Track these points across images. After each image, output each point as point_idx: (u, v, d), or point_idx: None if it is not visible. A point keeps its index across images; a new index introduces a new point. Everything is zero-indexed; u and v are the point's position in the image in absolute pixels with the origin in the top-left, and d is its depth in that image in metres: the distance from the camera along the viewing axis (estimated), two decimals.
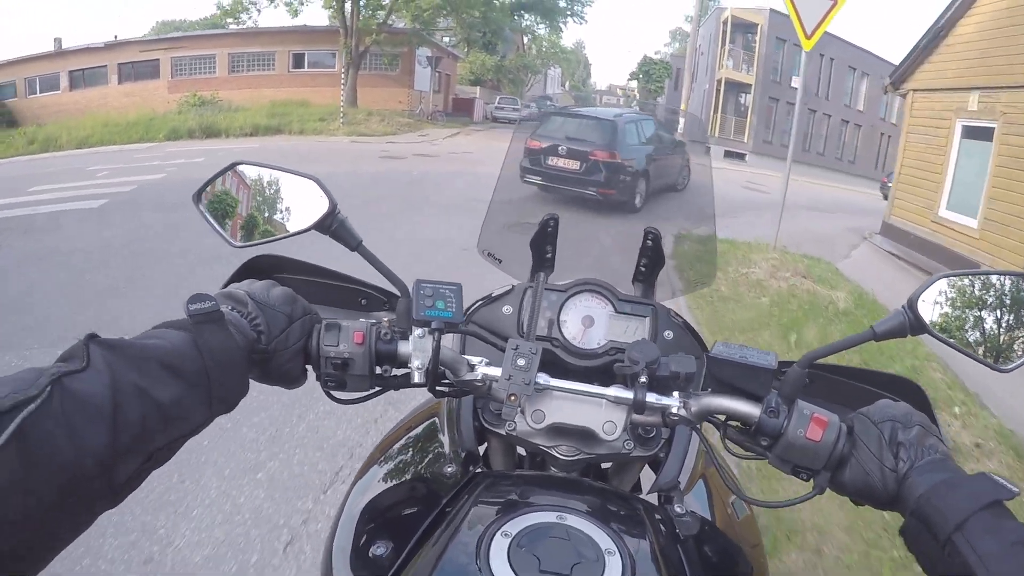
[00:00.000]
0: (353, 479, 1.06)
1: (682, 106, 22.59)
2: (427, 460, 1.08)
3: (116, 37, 28.93)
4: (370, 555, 0.79)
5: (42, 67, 28.72)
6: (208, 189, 0.88)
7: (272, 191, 0.88)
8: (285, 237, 0.86)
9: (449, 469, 0.96)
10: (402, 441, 1.14)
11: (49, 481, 0.48)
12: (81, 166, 15.68)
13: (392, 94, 28.70)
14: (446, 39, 34.64)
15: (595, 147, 8.77)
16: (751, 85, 30.65)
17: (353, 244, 0.83)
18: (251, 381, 0.74)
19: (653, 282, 1.17)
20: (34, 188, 12.27)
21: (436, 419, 1.15)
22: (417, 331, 0.82)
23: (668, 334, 1.07)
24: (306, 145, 19.06)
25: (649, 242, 1.15)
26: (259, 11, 28.33)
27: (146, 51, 28.41)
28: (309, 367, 0.83)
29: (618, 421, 0.86)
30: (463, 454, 1.00)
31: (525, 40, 46.40)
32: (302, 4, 26.76)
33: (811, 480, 0.75)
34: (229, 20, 28.40)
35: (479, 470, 0.96)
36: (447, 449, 1.04)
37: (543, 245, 1.15)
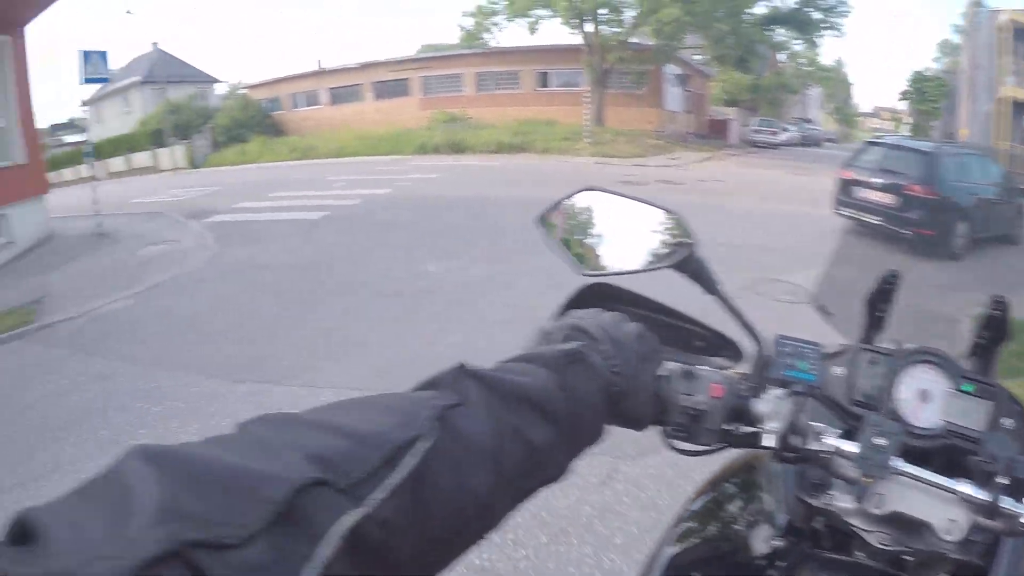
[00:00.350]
0: (664, 535, 1.01)
1: (961, 131, 19.83)
2: (743, 525, 1.00)
3: (370, 59, 30.47)
4: None
5: (305, 85, 31.52)
6: (553, 212, 0.88)
7: (623, 220, 0.87)
8: (638, 272, 0.84)
9: (775, 542, 0.88)
10: (714, 498, 1.09)
11: (438, 522, 0.46)
12: (324, 175, 16.79)
13: (641, 114, 26.53)
14: (696, 57, 31.72)
15: (911, 180, 8.54)
16: None
17: (712, 286, 0.81)
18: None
19: (993, 359, 1.03)
20: (273, 194, 13.89)
21: (751, 479, 1.08)
22: (775, 391, 0.76)
23: (1008, 422, 0.90)
24: (548, 165, 18.06)
25: (997, 312, 1.01)
26: (500, 30, 28.12)
27: (396, 71, 29.33)
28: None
29: (961, 520, 0.75)
30: (783, 525, 0.91)
31: (780, 57, 41.13)
32: (537, 22, 25.82)
33: None
34: (476, 42, 27.91)
35: (807, 550, 0.88)
36: (763, 515, 0.96)
37: (879, 303, 1.07)
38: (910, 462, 0.76)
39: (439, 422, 0.47)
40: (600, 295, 0.90)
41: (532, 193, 11.29)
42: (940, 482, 0.74)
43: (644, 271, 0.82)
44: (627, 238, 0.85)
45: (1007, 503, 0.71)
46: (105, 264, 8.39)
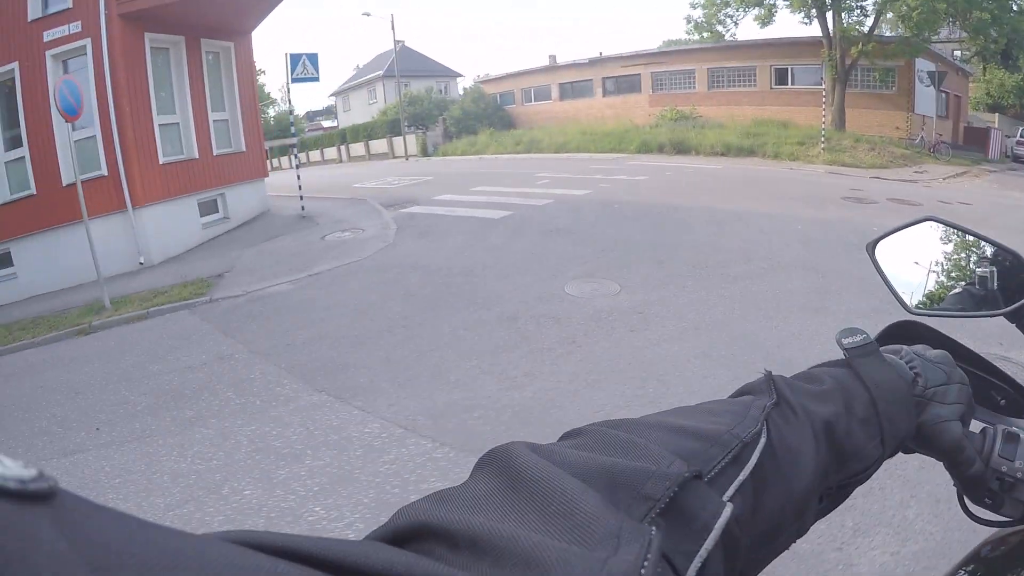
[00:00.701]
0: None
1: None
2: None
3: (600, 54, 29.92)
4: None
5: (537, 80, 31.75)
6: (890, 240, 0.83)
7: (966, 258, 0.82)
8: (972, 316, 0.79)
9: None
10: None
11: (766, 519, 0.47)
12: (536, 171, 16.65)
13: (887, 117, 22.51)
14: (956, 52, 26.43)
15: None
16: None
17: None
18: None
19: None
20: (476, 187, 13.99)
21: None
22: None
23: None
24: (773, 172, 16.36)
25: None
26: (736, 23, 25.08)
27: (627, 66, 28.22)
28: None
29: None
30: None
31: None
32: (770, 12, 23.08)
33: None
34: (706, 35, 25.95)
35: None
36: None
37: None
38: None
39: (766, 422, 0.49)
40: (909, 335, 0.81)
41: (735, 206, 10.35)
42: None
43: (979, 316, 0.78)
44: (965, 277, 0.80)
45: None
46: (292, 247, 9.02)
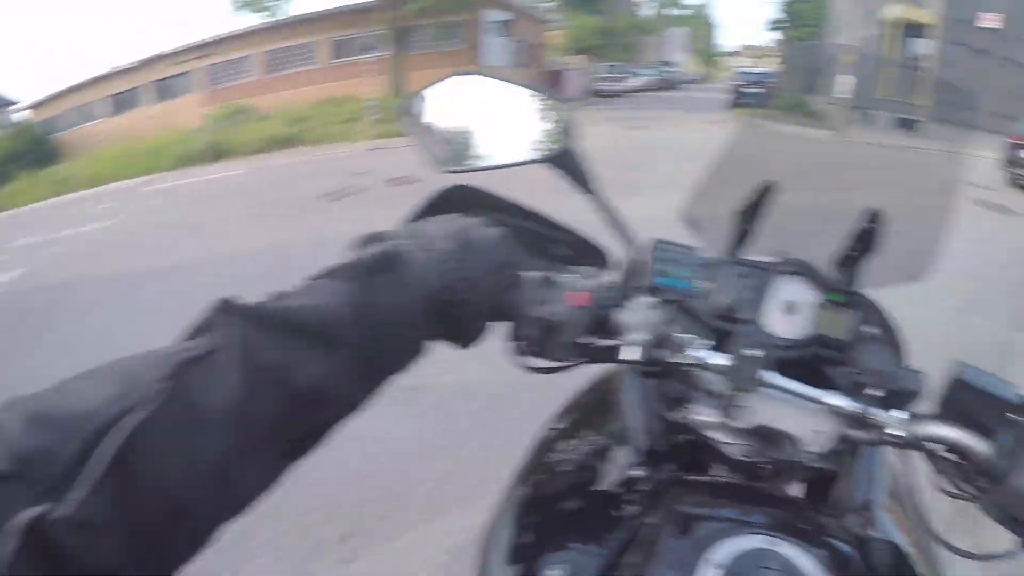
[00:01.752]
0: (521, 466, 0.96)
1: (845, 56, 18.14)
2: (606, 451, 0.94)
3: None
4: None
5: (84, 96, 26.67)
6: (423, 97, 0.81)
7: (500, 109, 0.80)
8: (508, 166, 0.80)
9: (636, 470, 0.85)
10: (569, 425, 1.04)
11: (154, 511, 0.39)
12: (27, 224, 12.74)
13: None
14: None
15: None
16: (931, 27, 18.64)
17: (587, 185, 0.78)
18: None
19: (859, 269, 1.02)
20: None
21: (609, 401, 1.02)
22: (645, 299, 0.72)
23: (873, 330, 0.95)
24: (298, 166, 14.67)
25: (870, 225, 1.00)
26: None
27: (177, 63, 24.54)
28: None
29: (827, 431, 0.77)
30: (646, 447, 0.89)
31: None
32: None
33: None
34: (255, 9, 23.52)
35: (672, 474, 0.86)
36: (629, 439, 0.91)
37: (750, 216, 1.04)
38: (777, 374, 0.76)
39: (171, 384, 0.40)
40: (464, 201, 0.81)
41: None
42: (809, 394, 0.75)
43: (514, 165, 0.79)
44: (502, 129, 0.79)
45: (875, 413, 0.72)
46: None
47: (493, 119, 0.79)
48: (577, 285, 0.69)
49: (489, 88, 0.79)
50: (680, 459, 0.94)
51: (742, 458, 0.82)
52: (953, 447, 0.70)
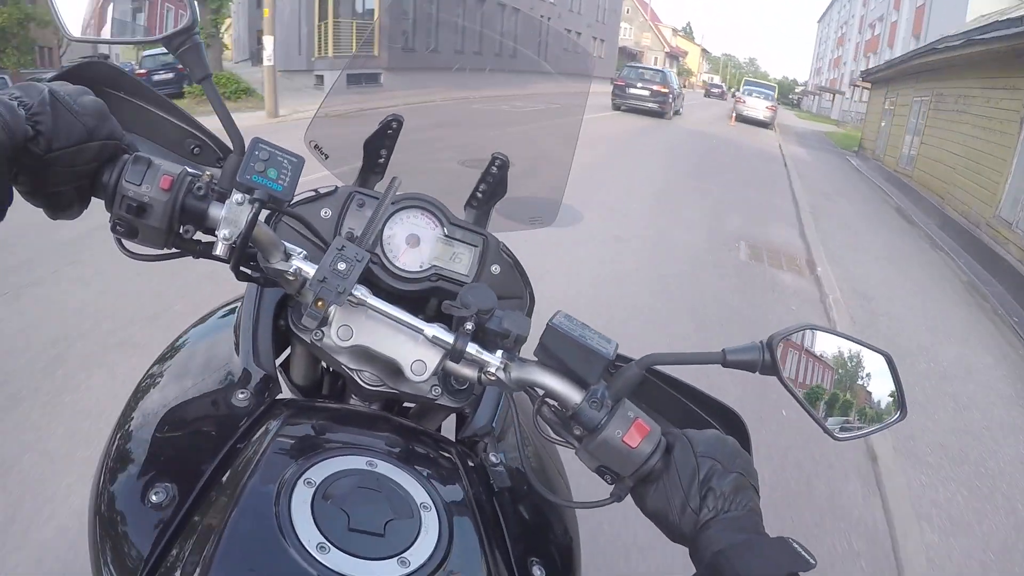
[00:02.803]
0: (128, 399, 0.89)
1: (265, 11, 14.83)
2: (217, 375, 0.89)
3: None
4: (146, 501, 0.68)
5: None
6: None
7: None
8: (128, 43, 0.79)
9: (242, 394, 0.81)
10: (193, 345, 0.99)
11: None
12: None
13: None
14: None
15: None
16: None
17: (201, 74, 0.74)
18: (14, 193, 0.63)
19: (488, 211, 1.11)
20: None
21: (236, 316, 0.98)
22: (236, 196, 0.69)
23: (495, 268, 1.00)
24: None
25: (494, 168, 1.08)
26: None
27: None
28: (96, 201, 0.70)
29: (429, 362, 0.79)
30: (261, 373, 0.85)
31: None
32: None
33: (612, 484, 0.72)
34: None
35: (279, 397, 0.84)
36: (243, 362, 0.88)
37: (378, 148, 1.07)
38: (393, 303, 0.75)
39: None
40: (98, 79, 0.79)
41: None
42: (408, 320, 0.74)
43: (134, 43, 0.76)
44: (131, 5, 0.77)
45: (474, 349, 0.72)
46: None
47: None
48: (173, 170, 0.67)
49: None
50: (308, 376, 0.96)
51: (368, 386, 0.83)
52: (550, 394, 0.72)
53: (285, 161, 0.72)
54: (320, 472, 0.62)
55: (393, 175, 0.95)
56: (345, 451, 0.67)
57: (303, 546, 0.55)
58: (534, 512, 0.87)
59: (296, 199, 0.97)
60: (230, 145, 0.76)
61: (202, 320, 1.07)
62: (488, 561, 0.66)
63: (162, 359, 0.97)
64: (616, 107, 21.79)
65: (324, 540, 0.56)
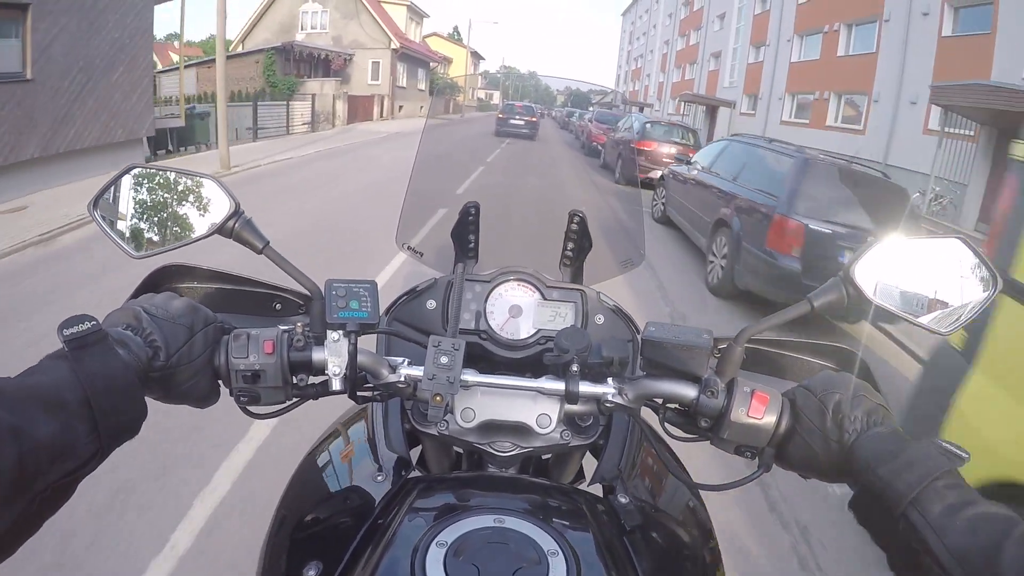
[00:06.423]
0: (282, 493, 0.98)
1: None
2: (358, 469, 0.99)
3: None
4: None
5: None
6: (104, 197, 0.81)
7: (171, 195, 0.83)
8: (186, 244, 0.80)
9: (380, 478, 0.91)
10: (330, 450, 1.06)
11: None
12: None
13: None
14: None
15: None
16: None
17: (259, 247, 0.78)
18: (158, 402, 0.71)
19: (580, 266, 1.15)
20: None
21: (364, 424, 1.08)
22: (332, 335, 0.77)
23: (599, 318, 1.05)
24: None
25: (575, 225, 1.13)
26: None
27: None
28: (221, 383, 0.77)
29: (552, 413, 0.84)
30: (394, 460, 0.96)
31: None
32: None
33: (756, 459, 0.74)
34: None
35: (412, 475, 0.92)
36: (378, 456, 0.98)
37: (465, 234, 1.14)
38: (512, 373, 0.83)
39: None
40: (173, 278, 0.88)
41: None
42: (517, 383, 0.80)
43: (191, 242, 0.79)
44: (178, 211, 0.81)
45: (586, 386, 0.78)
46: None
47: (168, 204, 0.82)
48: (269, 335, 0.74)
49: (159, 177, 0.82)
50: (444, 463, 1.02)
51: (501, 453, 0.87)
52: (668, 398, 0.76)
53: (361, 290, 0.78)
54: (451, 534, 0.66)
55: (471, 258, 1.05)
56: (474, 512, 0.70)
57: None
58: (671, 547, 0.89)
59: (398, 300, 1.09)
60: (305, 291, 0.81)
61: (337, 427, 1.14)
62: None
63: (309, 459, 1.05)
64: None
65: None
